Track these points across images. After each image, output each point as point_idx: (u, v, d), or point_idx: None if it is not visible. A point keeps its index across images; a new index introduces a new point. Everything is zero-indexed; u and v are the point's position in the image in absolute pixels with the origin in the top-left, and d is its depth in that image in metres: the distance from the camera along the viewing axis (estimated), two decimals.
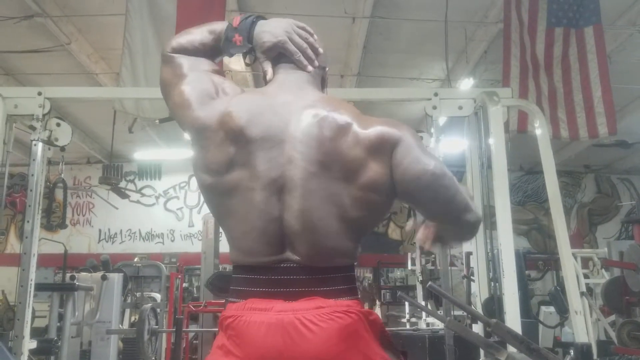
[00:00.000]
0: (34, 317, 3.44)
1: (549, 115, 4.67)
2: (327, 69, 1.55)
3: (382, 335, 1.32)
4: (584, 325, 3.23)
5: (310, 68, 1.46)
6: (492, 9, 5.61)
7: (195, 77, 1.41)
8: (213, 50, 1.49)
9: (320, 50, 1.51)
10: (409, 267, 8.68)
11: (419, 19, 5.74)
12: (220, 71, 1.53)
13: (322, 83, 1.53)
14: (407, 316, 6.86)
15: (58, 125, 3.46)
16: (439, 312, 4.71)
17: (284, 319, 1.21)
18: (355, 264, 1.36)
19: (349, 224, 1.28)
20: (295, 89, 1.39)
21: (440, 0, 5.20)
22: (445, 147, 3.52)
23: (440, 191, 1.31)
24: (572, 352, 3.09)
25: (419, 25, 5.90)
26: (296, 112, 1.31)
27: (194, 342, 7.02)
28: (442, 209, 1.36)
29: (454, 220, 1.38)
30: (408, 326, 6.43)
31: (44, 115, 3.39)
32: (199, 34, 1.49)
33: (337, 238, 1.27)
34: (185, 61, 1.44)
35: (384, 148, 1.28)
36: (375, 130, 1.29)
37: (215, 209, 1.37)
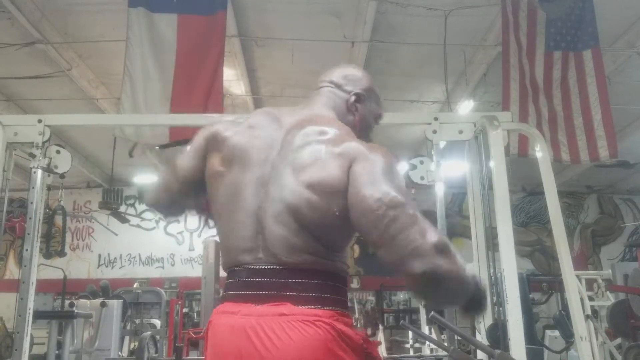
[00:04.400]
0: (32, 344, 3.39)
1: (549, 138, 4.67)
2: (355, 92, 1.53)
3: (365, 354, 1.24)
4: (589, 351, 3.17)
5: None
6: (491, 32, 5.65)
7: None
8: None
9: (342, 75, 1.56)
10: None
11: (418, 42, 5.79)
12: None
13: (345, 105, 1.52)
14: (411, 341, 6.77)
15: (58, 152, 3.45)
16: (442, 337, 4.64)
17: (246, 323, 1.24)
18: (342, 275, 1.33)
19: (308, 222, 1.27)
20: (302, 107, 1.51)
21: (439, 24, 5.25)
22: (446, 170, 3.50)
23: (382, 220, 1.15)
24: None
25: (418, 48, 5.95)
26: (285, 126, 1.41)
27: None
28: (382, 241, 1.17)
29: (396, 262, 1.16)
30: (412, 352, 6.35)
31: (43, 143, 3.37)
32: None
33: (299, 234, 1.26)
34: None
35: (344, 157, 1.26)
36: (345, 142, 1.30)
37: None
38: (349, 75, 1.57)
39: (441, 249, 1.14)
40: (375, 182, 1.20)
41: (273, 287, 1.26)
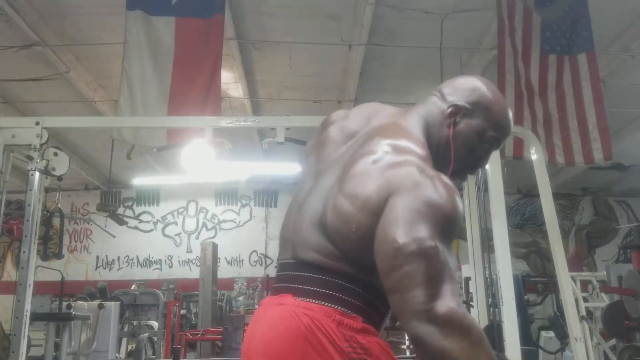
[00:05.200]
0: (29, 346, 3.40)
1: (544, 141, 4.70)
2: (454, 103, 1.36)
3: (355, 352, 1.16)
4: (584, 352, 3.20)
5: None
6: (487, 35, 5.69)
7: None
8: None
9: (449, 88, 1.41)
10: None
11: (415, 45, 5.82)
12: None
13: (441, 117, 1.36)
14: (407, 343, 6.79)
15: (55, 154, 3.46)
16: None
17: (259, 312, 1.34)
18: (357, 277, 1.22)
19: (331, 229, 1.22)
20: (397, 112, 1.44)
21: (435, 28, 5.28)
22: None
23: (396, 271, 1.05)
24: None
25: (415, 51, 5.98)
26: (367, 128, 1.38)
27: None
28: (389, 289, 1.08)
29: (397, 315, 1.08)
30: (408, 353, 6.36)
31: (41, 145, 3.39)
32: None
33: (320, 235, 1.25)
34: None
35: (387, 181, 1.14)
36: (400, 167, 1.15)
37: None
38: (460, 85, 1.40)
39: (447, 323, 1.00)
40: (405, 224, 1.05)
41: (286, 279, 1.31)
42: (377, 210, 1.11)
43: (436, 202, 1.08)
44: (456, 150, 1.33)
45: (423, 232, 1.04)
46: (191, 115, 4.24)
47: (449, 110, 1.34)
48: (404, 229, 1.05)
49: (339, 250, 1.21)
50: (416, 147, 1.22)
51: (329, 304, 1.19)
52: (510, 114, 1.41)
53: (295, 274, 1.28)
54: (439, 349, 0.99)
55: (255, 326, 1.32)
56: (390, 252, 1.06)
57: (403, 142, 1.23)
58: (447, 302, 1.01)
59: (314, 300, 1.21)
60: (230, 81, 6.51)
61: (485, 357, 1.02)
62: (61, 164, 3.48)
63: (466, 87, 1.38)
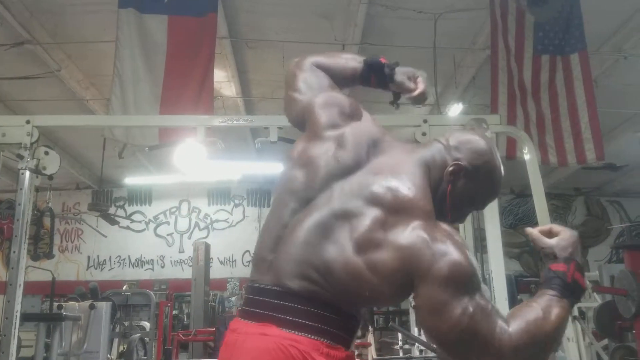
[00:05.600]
0: (20, 346, 3.37)
1: (537, 141, 4.71)
2: (458, 162, 1.35)
3: None
4: (576, 352, 3.20)
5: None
6: (480, 35, 5.70)
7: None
8: (347, 79, 1.61)
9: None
10: None
11: (408, 45, 5.81)
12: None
13: (442, 171, 1.35)
14: (400, 343, 6.78)
15: (46, 153, 3.43)
16: None
17: (236, 340, 1.25)
18: (348, 311, 1.26)
19: (329, 272, 1.22)
20: (401, 149, 1.42)
21: (428, 27, 5.29)
22: None
23: (452, 348, 1.17)
24: None
25: (408, 51, 5.97)
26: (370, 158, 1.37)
27: None
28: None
29: None
30: (401, 354, 6.35)
31: (32, 144, 3.35)
32: (341, 60, 1.63)
33: (305, 267, 1.23)
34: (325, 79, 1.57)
35: (403, 254, 1.17)
36: (409, 231, 1.19)
37: None
38: (467, 142, 1.38)
39: (519, 352, 1.13)
40: (440, 311, 1.13)
41: (265, 306, 1.25)
42: (397, 285, 1.18)
43: (456, 271, 1.14)
44: (448, 209, 1.36)
45: (458, 308, 1.12)
46: (184, 114, 4.22)
47: (452, 168, 1.34)
48: (440, 316, 1.13)
49: (332, 288, 1.22)
50: (423, 203, 1.25)
51: (316, 337, 1.20)
52: (501, 181, 1.44)
53: (279, 302, 1.24)
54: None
55: (232, 356, 1.24)
56: (441, 340, 1.16)
57: (411, 197, 1.25)
58: (505, 340, 1.12)
59: (301, 333, 1.20)
60: (223, 80, 6.48)
61: (553, 328, 1.17)
62: (52, 163, 3.45)
63: (473, 147, 1.38)
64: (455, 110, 6.70)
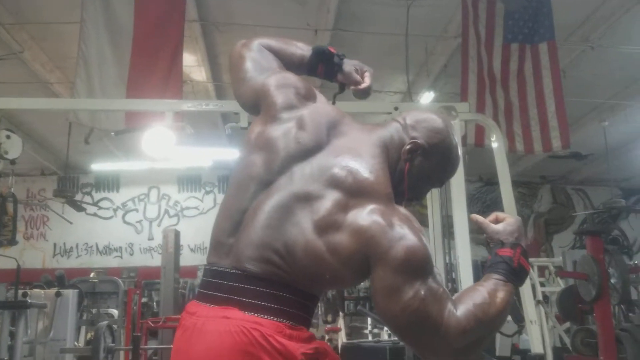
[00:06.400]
0: None
1: (505, 129, 4.79)
2: (415, 141, 1.36)
3: None
4: (539, 335, 3.30)
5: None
6: (452, 23, 5.73)
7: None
8: (294, 65, 1.57)
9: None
10: None
11: (381, 32, 5.81)
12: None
13: (400, 150, 1.37)
14: (370, 327, 6.87)
15: (8, 137, 3.34)
16: None
17: (195, 324, 1.24)
18: (305, 290, 1.26)
19: (291, 255, 1.22)
20: (360, 129, 1.42)
21: (401, 14, 5.28)
22: None
23: (402, 331, 1.21)
24: None
25: (381, 38, 5.98)
26: (330, 139, 1.37)
27: (154, 358, 6.85)
28: (410, 343, 1.30)
29: (427, 356, 1.28)
30: (370, 337, 6.44)
31: None
32: (291, 46, 1.60)
33: (266, 249, 1.23)
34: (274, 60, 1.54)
35: (364, 248, 1.18)
36: (367, 221, 1.19)
37: None
38: (423, 121, 1.40)
39: (464, 335, 1.17)
40: (393, 294, 1.16)
41: (226, 289, 1.24)
42: (357, 268, 1.20)
43: (411, 255, 1.16)
44: (408, 184, 1.37)
45: (410, 291, 1.15)
46: (151, 98, 4.14)
47: (408, 147, 1.36)
48: (392, 298, 1.16)
49: (293, 270, 1.23)
50: (383, 186, 1.27)
51: (278, 319, 1.20)
52: (460, 160, 1.48)
53: (240, 285, 1.23)
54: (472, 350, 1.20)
55: (191, 339, 1.23)
56: (391, 321, 1.20)
57: (371, 180, 1.26)
58: (453, 323, 1.16)
59: (263, 315, 1.20)
60: (193, 64, 6.38)
61: (497, 312, 1.21)
62: (14, 147, 3.37)
63: (429, 126, 1.39)
64: (426, 98, 6.74)
